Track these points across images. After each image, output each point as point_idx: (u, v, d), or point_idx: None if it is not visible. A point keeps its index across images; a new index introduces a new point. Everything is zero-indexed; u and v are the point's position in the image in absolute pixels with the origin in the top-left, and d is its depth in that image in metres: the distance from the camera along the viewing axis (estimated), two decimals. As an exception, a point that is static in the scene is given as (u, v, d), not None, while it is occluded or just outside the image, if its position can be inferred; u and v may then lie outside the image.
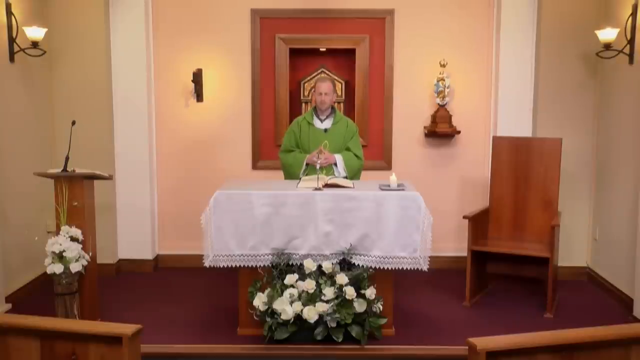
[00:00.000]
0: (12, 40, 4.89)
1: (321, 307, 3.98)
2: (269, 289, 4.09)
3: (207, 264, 4.17)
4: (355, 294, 4.03)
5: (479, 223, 5.09)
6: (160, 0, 5.83)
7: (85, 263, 4.21)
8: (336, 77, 5.94)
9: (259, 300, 4.06)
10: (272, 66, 5.90)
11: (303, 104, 6.03)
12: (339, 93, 5.94)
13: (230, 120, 5.96)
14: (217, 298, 5.05)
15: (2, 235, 4.71)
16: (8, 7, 4.83)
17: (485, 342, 2.59)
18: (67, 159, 4.35)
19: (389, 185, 4.30)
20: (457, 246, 5.85)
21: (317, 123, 4.90)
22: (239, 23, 5.86)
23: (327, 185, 4.31)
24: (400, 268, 4.17)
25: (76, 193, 4.30)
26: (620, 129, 5.11)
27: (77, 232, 4.22)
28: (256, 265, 4.19)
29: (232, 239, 4.15)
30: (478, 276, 5.12)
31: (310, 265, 4.10)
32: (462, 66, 5.86)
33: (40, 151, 5.39)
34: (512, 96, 5.71)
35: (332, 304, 4.01)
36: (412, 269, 4.17)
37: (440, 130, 5.74)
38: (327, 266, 4.10)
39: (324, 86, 4.82)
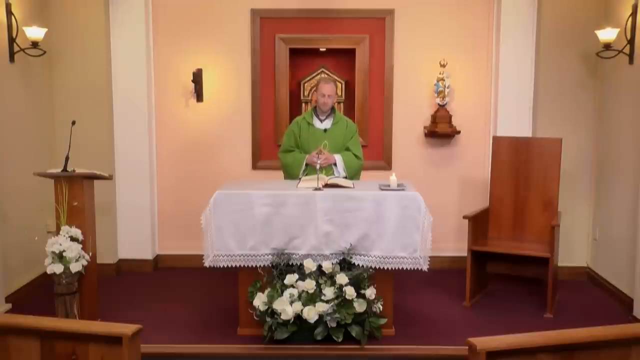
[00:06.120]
0: (12, 40, 4.89)
1: (321, 307, 3.98)
2: (269, 289, 4.09)
3: (207, 264, 4.17)
4: (355, 294, 4.03)
5: (479, 223, 5.09)
6: (160, 1, 5.83)
7: (85, 263, 4.21)
8: (336, 77, 5.94)
9: (259, 300, 4.06)
10: (272, 66, 5.89)
11: (303, 104, 6.03)
12: (339, 93, 5.93)
13: (230, 120, 5.96)
14: (217, 298, 5.05)
15: (2, 235, 4.71)
16: (8, 7, 4.83)
17: (485, 342, 2.59)
18: (67, 159, 4.35)
19: (389, 185, 4.30)
20: (457, 246, 5.85)
21: (317, 123, 4.89)
22: (239, 23, 5.86)
23: (327, 185, 4.31)
24: (400, 268, 4.17)
25: (76, 193, 4.31)
26: (620, 129, 5.11)
27: (77, 232, 4.22)
28: (256, 265, 4.19)
29: (232, 239, 4.15)
30: (478, 276, 5.12)
31: (310, 265, 4.10)
32: (462, 66, 5.86)
33: (40, 151, 5.39)
34: (512, 96, 5.71)
35: (332, 304, 4.01)
36: (412, 269, 4.17)
37: (440, 130, 5.74)
38: (327, 266, 4.10)
39: (327, 88, 4.80)
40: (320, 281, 4.07)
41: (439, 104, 5.78)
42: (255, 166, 5.99)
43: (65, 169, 4.32)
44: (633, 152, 4.86)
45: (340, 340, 4.03)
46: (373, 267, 4.17)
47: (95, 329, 2.81)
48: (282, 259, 4.13)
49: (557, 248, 4.87)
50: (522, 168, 5.23)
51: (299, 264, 4.15)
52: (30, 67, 5.21)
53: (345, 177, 4.72)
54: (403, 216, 4.14)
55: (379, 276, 4.17)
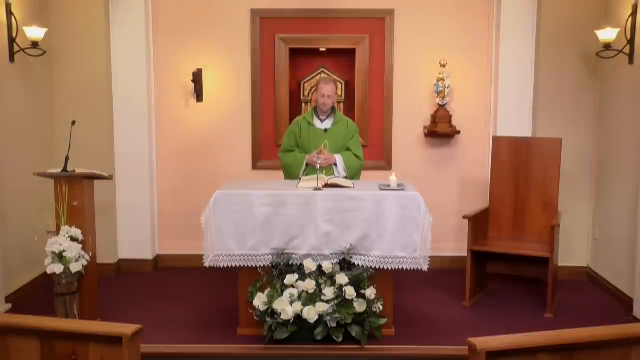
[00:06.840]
0: (12, 40, 4.89)
1: (321, 307, 3.98)
2: (269, 289, 4.09)
3: (207, 264, 4.17)
4: (355, 294, 4.03)
5: (479, 223, 5.09)
6: (161, 1, 5.83)
7: (85, 263, 4.21)
8: (336, 77, 5.94)
9: (259, 300, 4.06)
10: (272, 66, 5.89)
11: (303, 104, 6.03)
12: (339, 93, 5.93)
13: (230, 120, 5.96)
14: (217, 298, 5.05)
15: (2, 235, 4.71)
16: (8, 7, 4.83)
17: (485, 342, 2.59)
18: (67, 159, 4.35)
19: (389, 185, 4.30)
20: (457, 246, 5.85)
21: (317, 123, 4.89)
22: (239, 23, 5.86)
23: (327, 185, 4.31)
24: (400, 268, 4.17)
25: (76, 193, 4.31)
26: (620, 129, 5.11)
27: (77, 232, 4.22)
28: (256, 265, 4.19)
29: (232, 239, 4.15)
30: (478, 276, 5.12)
31: (310, 265, 4.10)
32: (462, 66, 5.86)
33: (40, 151, 5.39)
34: (512, 96, 5.71)
35: (332, 304, 4.01)
36: (412, 269, 4.17)
37: (440, 130, 5.74)
38: (327, 266, 4.10)
39: (328, 88, 4.80)
40: (320, 281, 4.07)
41: (439, 104, 5.78)
42: (255, 166, 5.99)
43: (65, 169, 4.32)
44: (633, 152, 4.86)
45: (340, 340, 4.03)
46: (373, 267, 4.17)
47: (95, 329, 2.81)
48: (282, 259, 4.13)
49: (557, 248, 4.87)
50: (522, 168, 5.23)
51: (299, 264, 4.15)
52: (30, 67, 5.21)
53: (346, 177, 4.72)
54: (403, 216, 4.14)
55: (379, 276, 4.17)
